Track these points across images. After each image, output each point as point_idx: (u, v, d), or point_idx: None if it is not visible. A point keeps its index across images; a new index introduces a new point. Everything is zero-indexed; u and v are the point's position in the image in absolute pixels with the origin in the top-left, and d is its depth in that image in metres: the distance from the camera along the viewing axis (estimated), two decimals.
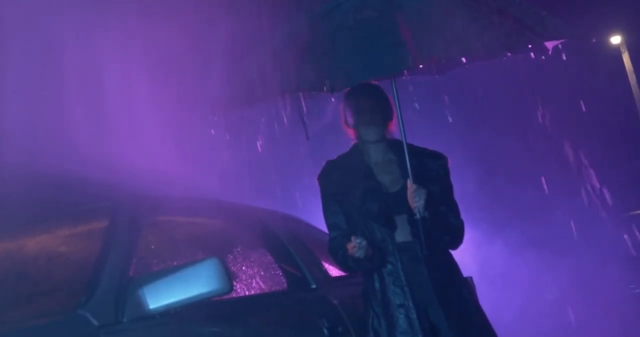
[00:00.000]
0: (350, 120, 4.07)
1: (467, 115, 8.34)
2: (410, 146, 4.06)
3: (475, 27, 3.82)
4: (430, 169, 4.07)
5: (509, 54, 3.97)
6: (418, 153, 4.08)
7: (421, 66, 4.20)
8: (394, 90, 4.04)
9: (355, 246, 3.76)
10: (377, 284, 3.94)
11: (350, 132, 4.13)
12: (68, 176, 4.17)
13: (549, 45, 4.19)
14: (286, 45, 4.01)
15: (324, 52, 3.88)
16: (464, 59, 4.18)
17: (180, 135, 4.73)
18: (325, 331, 4.13)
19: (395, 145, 4.09)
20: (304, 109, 4.18)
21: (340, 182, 4.02)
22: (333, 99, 4.18)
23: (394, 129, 4.09)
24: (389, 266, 3.93)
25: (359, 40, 3.87)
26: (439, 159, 4.14)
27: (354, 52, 3.84)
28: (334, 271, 4.80)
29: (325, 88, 3.82)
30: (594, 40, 4.09)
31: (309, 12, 4.13)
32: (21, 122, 4.20)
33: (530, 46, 4.03)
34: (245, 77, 4.05)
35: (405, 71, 4.14)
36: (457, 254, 4.16)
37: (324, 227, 4.46)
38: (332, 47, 3.89)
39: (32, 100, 4.23)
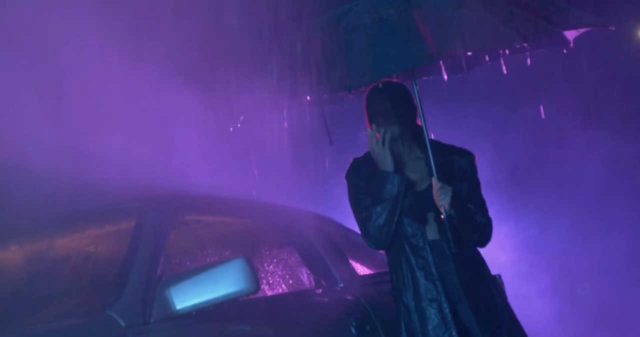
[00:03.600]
0: (372, 121, 4.06)
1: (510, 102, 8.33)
2: (437, 143, 4.04)
3: (491, 20, 3.80)
4: (458, 167, 4.05)
5: (525, 44, 3.95)
6: (445, 150, 4.06)
7: (442, 65, 4.20)
8: (415, 89, 4.02)
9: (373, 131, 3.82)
10: (408, 279, 3.92)
11: None
12: (95, 177, 4.20)
13: (570, 36, 4.16)
14: (304, 47, 4.00)
15: (343, 52, 3.86)
16: (487, 57, 4.17)
17: (207, 135, 4.73)
18: (353, 330, 4.12)
19: (421, 143, 4.07)
20: (326, 114, 4.18)
21: (370, 178, 4.00)
22: (350, 96, 4.17)
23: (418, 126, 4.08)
24: (420, 260, 3.90)
25: (377, 37, 3.85)
26: (466, 156, 4.12)
27: (372, 49, 3.82)
28: (361, 270, 4.79)
29: (344, 88, 3.82)
30: (612, 29, 4.04)
31: (326, 13, 4.12)
32: (47, 124, 4.23)
33: (547, 36, 4.01)
34: (265, 82, 4.05)
35: (427, 71, 4.13)
36: (486, 251, 4.14)
37: (351, 225, 4.45)
38: (351, 47, 3.87)
39: (59, 102, 4.26)
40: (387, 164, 3.93)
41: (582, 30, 4.12)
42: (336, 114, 4.43)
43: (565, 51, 4.20)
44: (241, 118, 4.23)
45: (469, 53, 3.99)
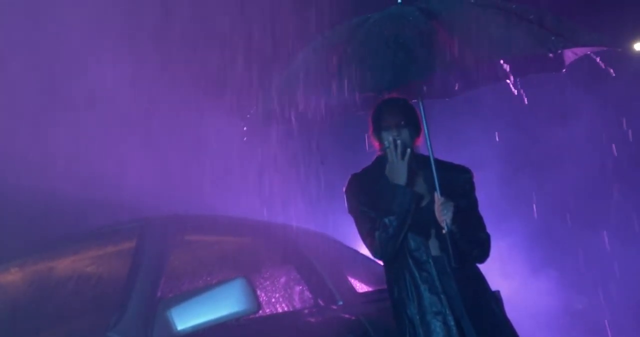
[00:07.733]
0: (378, 134, 4.07)
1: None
2: (435, 160, 4.06)
3: (511, 31, 3.80)
4: (457, 183, 4.06)
5: (550, 54, 3.98)
6: (444, 167, 4.07)
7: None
8: (421, 108, 4.04)
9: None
10: (412, 293, 3.92)
11: (377, 145, 4.13)
12: (95, 198, 4.21)
13: (567, 60, 4.19)
14: (322, 53, 4.00)
15: (360, 58, 3.85)
16: (502, 63, 4.18)
17: (209, 153, 4.75)
18: None
19: (420, 160, 4.09)
20: (317, 136, 4.18)
21: (370, 192, 4.01)
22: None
23: (421, 144, 4.09)
24: (424, 273, 3.91)
25: (396, 45, 3.83)
26: (464, 172, 4.13)
27: (397, 53, 3.80)
28: (360, 287, 4.81)
29: (362, 90, 3.82)
30: (619, 50, 4.09)
31: (346, 21, 4.13)
32: (50, 144, 4.24)
33: (568, 49, 4.04)
34: (279, 88, 4.05)
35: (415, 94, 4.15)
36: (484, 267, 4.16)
37: (349, 242, 4.46)
38: (369, 53, 3.86)
39: (74, 129, 4.27)
40: (401, 178, 3.94)
41: (578, 55, 4.16)
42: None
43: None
44: (244, 128, 4.22)
45: (498, 59, 4.02)
